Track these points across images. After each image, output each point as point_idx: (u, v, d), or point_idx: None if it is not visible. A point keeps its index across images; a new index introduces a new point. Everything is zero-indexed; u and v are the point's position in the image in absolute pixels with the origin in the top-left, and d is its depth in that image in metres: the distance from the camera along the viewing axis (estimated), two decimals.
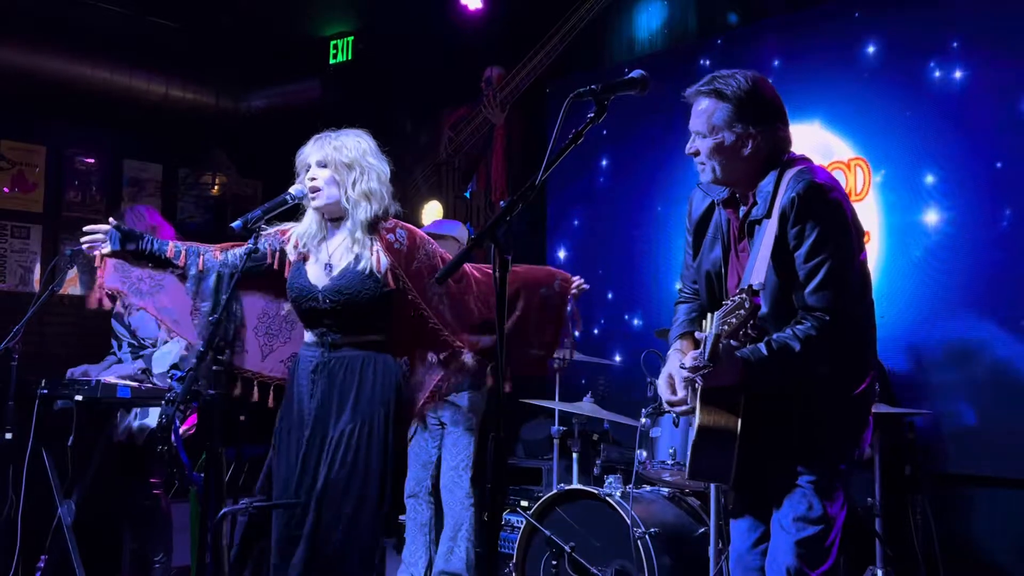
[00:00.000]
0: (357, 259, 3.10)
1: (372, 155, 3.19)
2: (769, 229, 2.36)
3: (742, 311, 2.20)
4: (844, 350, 2.38)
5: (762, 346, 2.33)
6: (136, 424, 4.22)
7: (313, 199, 3.14)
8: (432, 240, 3.25)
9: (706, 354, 2.25)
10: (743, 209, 2.51)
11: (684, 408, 2.51)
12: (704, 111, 2.45)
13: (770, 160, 2.45)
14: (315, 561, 2.95)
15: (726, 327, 2.22)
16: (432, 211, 6.44)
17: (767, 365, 2.31)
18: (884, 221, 4.36)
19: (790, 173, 2.41)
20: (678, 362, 2.50)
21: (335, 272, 3.13)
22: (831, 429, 2.43)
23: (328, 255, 3.17)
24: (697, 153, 2.48)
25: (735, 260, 2.52)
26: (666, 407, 2.59)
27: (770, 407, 2.39)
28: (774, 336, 2.33)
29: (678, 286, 2.84)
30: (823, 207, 2.34)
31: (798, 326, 2.33)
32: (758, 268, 2.33)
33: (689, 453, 2.46)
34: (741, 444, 2.35)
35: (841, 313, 2.33)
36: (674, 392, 2.52)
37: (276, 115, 6.62)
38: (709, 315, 2.36)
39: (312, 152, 3.17)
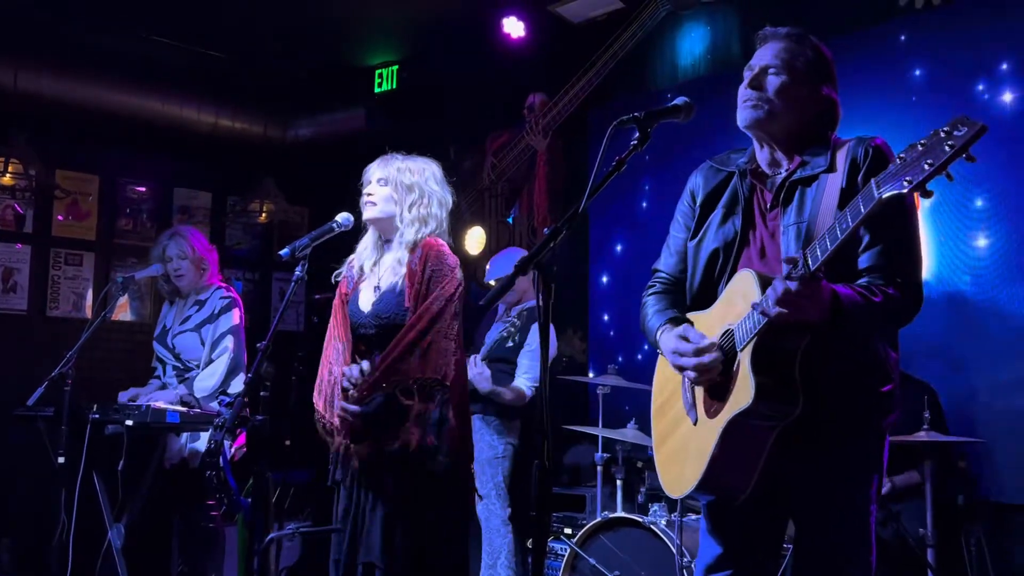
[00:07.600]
0: (397, 281, 3.06)
1: (435, 181, 3.20)
2: (831, 183, 2.21)
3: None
4: (905, 321, 2.21)
5: (843, 286, 2.10)
6: (188, 447, 4.24)
7: (367, 211, 3.14)
8: (446, 262, 3.08)
9: (811, 267, 1.96)
10: (780, 173, 2.34)
11: (711, 359, 2.18)
12: (785, 50, 2.33)
13: (819, 129, 2.35)
14: None
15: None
16: (475, 237, 6.47)
17: (852, 304, 2.06)
18: (934, 247, 4.29)
19: (848, 141, 2.30)
20: (677, 338, 2.27)
21: (378, 295, 3.11)
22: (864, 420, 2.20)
23: (378, 278, 3.15)
24: (760, 88, 2.31)
25: (763, 230, 2.32)
26: (685, 362, 2.23)
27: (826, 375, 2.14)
28: (853, 284, 2.13)
29: (657, 269, 2.57)
30: None
31: (875, 283, 2.12)
32: (821, 222, 2.15)
33: (718, 439, 2.14)
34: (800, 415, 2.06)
35: (918, 285, 2.19)
36: (692, 342, 2.21)
37: (322, 143, 6.73)
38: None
39: (376, 170, 3.18)
